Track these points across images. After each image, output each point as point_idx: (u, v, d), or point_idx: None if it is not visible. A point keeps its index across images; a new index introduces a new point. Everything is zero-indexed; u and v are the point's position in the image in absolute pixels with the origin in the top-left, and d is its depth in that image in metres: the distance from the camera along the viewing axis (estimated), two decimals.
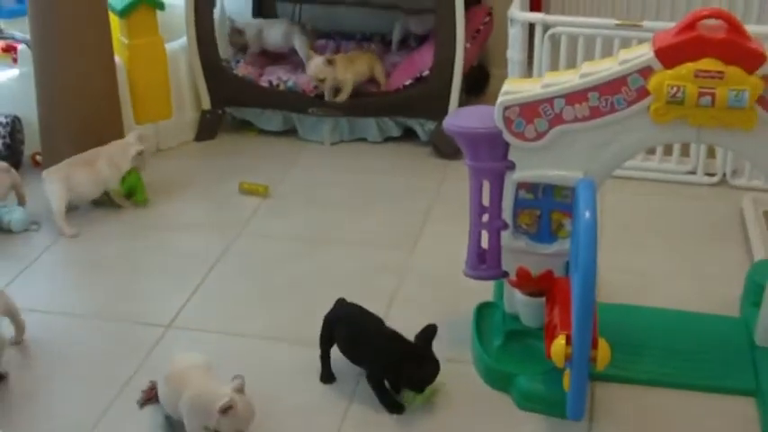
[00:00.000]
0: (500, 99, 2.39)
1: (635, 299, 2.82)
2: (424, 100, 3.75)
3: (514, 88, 2.43)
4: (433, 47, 3.73)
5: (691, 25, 2.28)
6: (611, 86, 2.32)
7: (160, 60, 3.83)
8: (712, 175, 3.55)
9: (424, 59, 3.82)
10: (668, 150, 3.57)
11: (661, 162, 3.58)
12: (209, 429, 2.26)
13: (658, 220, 3.32)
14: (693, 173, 3.57)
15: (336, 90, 3.83)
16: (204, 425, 2.26)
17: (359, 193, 3.52)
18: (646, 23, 3.38)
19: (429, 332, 2.41)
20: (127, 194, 3.45)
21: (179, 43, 3.93)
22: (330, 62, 3.77)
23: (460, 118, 2.51)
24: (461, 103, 3.74)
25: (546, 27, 3.45)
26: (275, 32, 4.09)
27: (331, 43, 4.27)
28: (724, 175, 3.54)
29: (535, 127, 2.38)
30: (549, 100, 2.36)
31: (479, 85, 4.21)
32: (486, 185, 2.49)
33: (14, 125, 3.64)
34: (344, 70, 3.82)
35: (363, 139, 3.91)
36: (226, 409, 2.21)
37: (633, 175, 3.51)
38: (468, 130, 2.45)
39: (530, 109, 2.37)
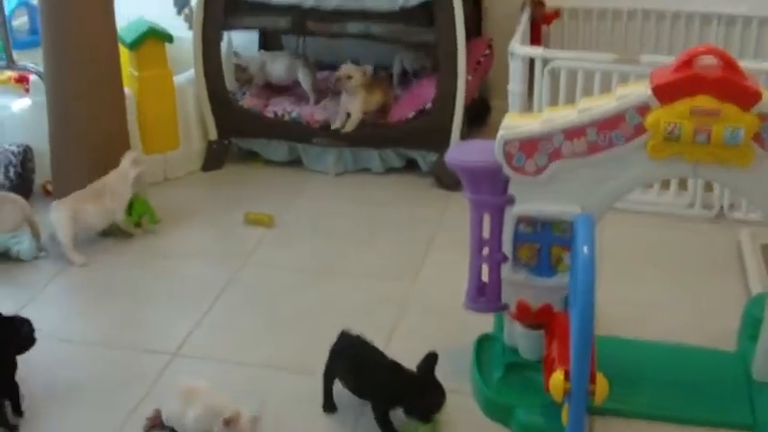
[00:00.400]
0: (500, 134, 2.40)
1: (633, 332, 2.82)
2: (427, 132, 3.76)
3: (514, 123, 2.44)
4: (435, 80, 3.75)
5: (687, 63, 2.29)
6: (609, 123, 2.33)
7: (168, 92, 3.86)
8: (710, 208, 3.55)
9: (426, 92, 3.84)
10: (666, 184, 3.57)
11: (659, 195, 3.59)
12: None
13: (656, 253, 3.33)
14: (691, 206, 3.57)
15: (347, 116, 3.85)
16: None
17: (362, 224, 3.53)
18: (643, 58, 3.40)
19: (430, 360, 2.41)
20: (138, 221, 3.46)
21: (187, 76, 3.95)
22: (362, 73, 3.82)
23: (462, 152, 2.53)
24: (463, 135, 3.75)
25: (546, 61, 3.47)
26: (278, 66, 4.11)
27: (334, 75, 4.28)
28: (721, 208, 3.54)
29: (535, 161, 2.39)
30: (549, 135, 2.37)
31: (480, 116, 4.22)
32: (487, 219, 2.50)
33: (26, 154, 3.66)
34: (360, 98, 3.84)
35: (367, 170, 3.92)
36: (229, 421, 2.22)
37: (631, 208, 3.50)
38: (469, 165, 2.46)
39: (529, 144, 2.38)
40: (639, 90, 2.32)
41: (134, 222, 3.46)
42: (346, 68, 3.83)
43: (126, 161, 3.44)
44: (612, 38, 4.12)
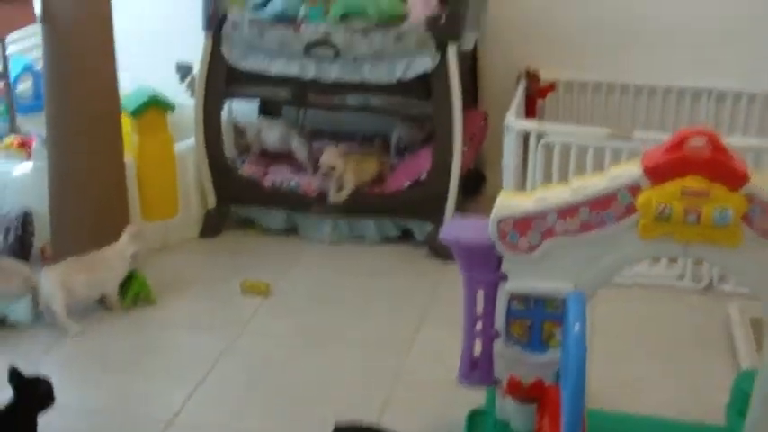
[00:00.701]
0: (494, 213, 2.41)
1: (623, 406, 2.81)
2: (422, 202, 3.79)
3: (508, 202, 2.45)
4: (431, 151, 3.79)
5: (678, 144, 2.31)
6: (601, 202, 2.34)
7: (169, 159, 3.88)
8: (699, 280, 3.56)
9: (422, 163, 3.87)
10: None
11: (650, 267, 3.60)
12: None
13: (646, 327, 3.33)
14: (681, 278, 3.58)
15: (339, 187, 3.87)
16: None
17: (357, 294, 3.53)
18: (636, 134, 3.44)
19: None
20: (134, 299, 3.45)
21: (187, 143, 3.98)
22: (343, 155, 3.85)
23: (456, 229, 2.54)
24: (458, 206, 3.78)
25: (540, 136, 3.50)
26: (273, 134, 4.14)
27: (331, 145, 4.30)
28: (711, 280, 3.55)
29: (528, 240, 2.41)
30: (542, 214, 2.39)
31: (475, 186, 4.25)
32: (480, 295, 2.51)
33: (26, 218, 3.65)
34: (350, 169, 3.87)
35: (362, 238, 3.94)
36: None
37: (622, 281, 3.50)
38: (463, 242, 2.47)
39: (523, 222, 2.40)
40: (631, 170, 2.34)
41: (130, 300, 3.43)
42: (327, 159, 3.86)
43: (126, 236, 3.44)
44: (606, 111, 4.17)
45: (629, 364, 3.08)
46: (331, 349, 3.17)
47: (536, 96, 4.07)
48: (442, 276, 3.64)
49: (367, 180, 3.94)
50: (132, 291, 3.43)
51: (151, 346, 3.22)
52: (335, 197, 3.85)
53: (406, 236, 3.91)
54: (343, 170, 3.85)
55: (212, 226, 4.03)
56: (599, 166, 3.41)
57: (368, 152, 4.04)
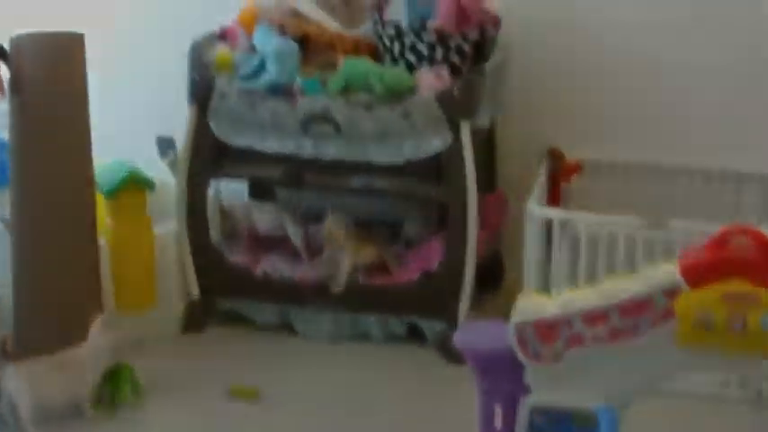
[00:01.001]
0: (514, 317, 2.44)
1: None
2: (432, 298, 3.82)
3: (530, 305, 2.49)
4: (443, 240, 3.82)
5: (718, 243, 2.35)
6: (634, 307, 2.38)
7: (147, 245, 3.92)
8: (747, 387, 3.55)
9: (432, 253, 3.90)
10: None
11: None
12: None
13: None
14: (726, 385, 3.57)
15: (335, 267, 3.93)
16: None
17: (358, 400, 3.54)
18: (673, 223, 3.45)
19: None
20: (119, 395, 3.45)
21: (168, 227, 4.01)
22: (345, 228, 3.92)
23: (471, 333, 2.58)
24: (473, 301, 3.80)
25: (565, 224, 3.53)
26: (265, 218, 4.17)
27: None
28: (761, 389, 3.54)
29: (552, 348, 2.43)
30: (567, 319, 2.42)
31: (492, 278, 4.26)
32: (498, 409, 2.52)
33: None
34: (349, 247, 3.92)
35: (365, 337, 3.95)
36: None
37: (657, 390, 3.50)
38: (479, 350, 2.50)
39: (546, 328, 2.43)
40: (667, 272, 2.37)
41: (113, 398, 3.44)
42: (330, 225, 3.93)
43: (95, 329, 3.44)
44: (638, 196, 4.17)
45: None
46: None
47: (560, 179, 4.10)
48: (453, 383, 3.61)
49: (364, 265, 3.96)
50: (113, 384, 3.42)
51: None
52: (334, 284, 3.88)
53: (413, 334, 3.91)
54: (342, 244, 3.89)
55: (195, 320, 4.05)
56: (630, 259, 3.45)
57: (367, 238, 4.08)
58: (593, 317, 2.39)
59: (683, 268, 2.34)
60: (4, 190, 3.73)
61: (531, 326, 2.42)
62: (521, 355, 2.44)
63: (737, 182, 4.12)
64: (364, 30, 4.02)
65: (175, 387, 3.63)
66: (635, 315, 2.37)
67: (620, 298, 2.38)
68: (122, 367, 3.47)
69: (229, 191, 4.36)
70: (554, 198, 4.04)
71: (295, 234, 4.10)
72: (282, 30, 3.92)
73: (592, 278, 3.43)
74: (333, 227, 3.95)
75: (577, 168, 4.16)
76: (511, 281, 4.18)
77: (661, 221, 3.48)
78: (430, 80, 3.73)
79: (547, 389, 2.45)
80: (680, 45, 4.12)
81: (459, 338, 2.56)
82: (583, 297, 2.44)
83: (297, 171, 3.86)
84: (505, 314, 3.29)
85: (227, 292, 4.05)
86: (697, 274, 2.33)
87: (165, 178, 4.16)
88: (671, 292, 2.35)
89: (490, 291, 4.18)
